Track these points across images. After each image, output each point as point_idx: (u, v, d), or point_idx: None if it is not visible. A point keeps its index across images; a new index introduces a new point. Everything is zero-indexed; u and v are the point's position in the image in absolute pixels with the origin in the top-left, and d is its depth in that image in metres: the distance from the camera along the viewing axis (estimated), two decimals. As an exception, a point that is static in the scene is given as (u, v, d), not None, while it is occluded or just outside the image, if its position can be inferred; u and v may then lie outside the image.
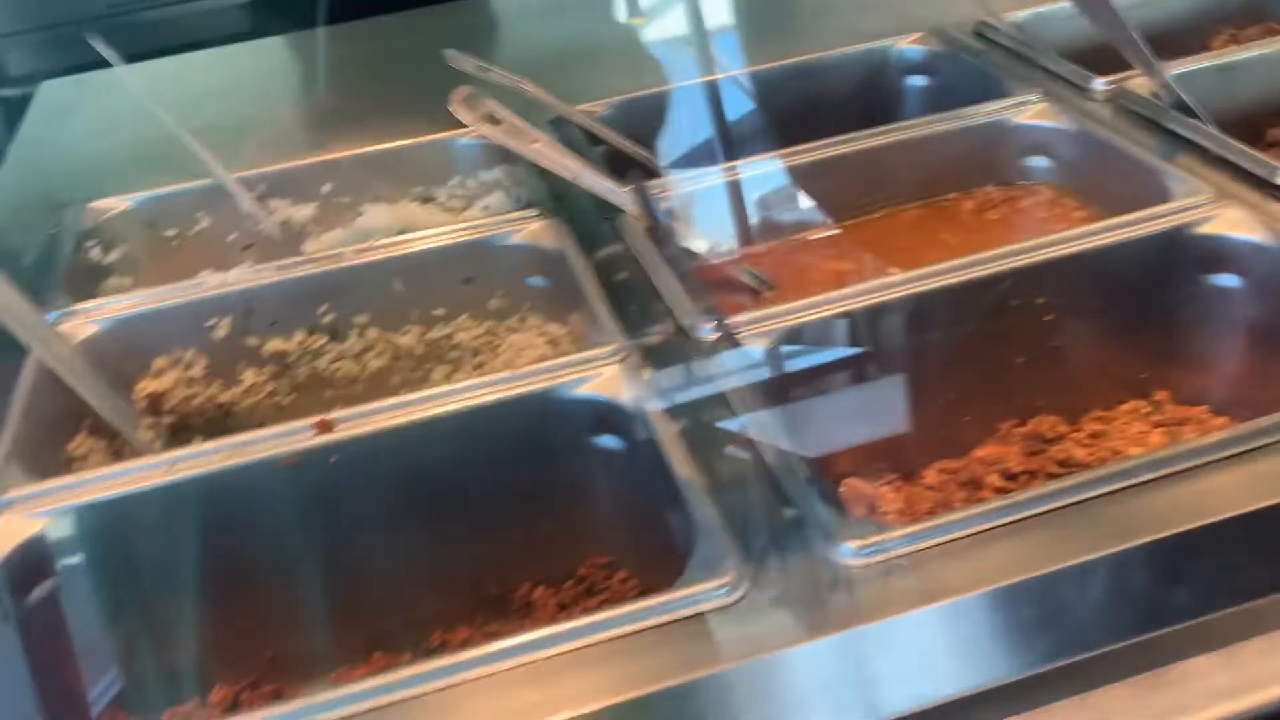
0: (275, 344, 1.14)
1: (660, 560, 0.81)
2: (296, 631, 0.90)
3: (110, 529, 0.86)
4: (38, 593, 0.83)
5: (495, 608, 0.95)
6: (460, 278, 1.16)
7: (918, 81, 1.49)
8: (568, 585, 0.96)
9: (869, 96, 1.47)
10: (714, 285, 1.10)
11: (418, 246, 1.16)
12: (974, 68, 1.42)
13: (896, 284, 0.99)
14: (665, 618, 0.70)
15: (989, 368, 1.04)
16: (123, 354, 1.10)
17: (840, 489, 0.98)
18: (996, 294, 1.02)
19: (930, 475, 1.02)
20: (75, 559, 0.84)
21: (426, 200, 1.37)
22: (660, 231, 1.08)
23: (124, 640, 0.85)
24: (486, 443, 0.93)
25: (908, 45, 1.49)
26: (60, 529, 0.85)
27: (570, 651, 0.69)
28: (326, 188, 1.36)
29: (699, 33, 1.47)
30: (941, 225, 1.26)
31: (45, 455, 0.96)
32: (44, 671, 0.79)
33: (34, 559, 0.84)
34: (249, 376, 1.14)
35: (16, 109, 1.75)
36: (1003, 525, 0.74)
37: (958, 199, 1.28)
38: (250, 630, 0.90)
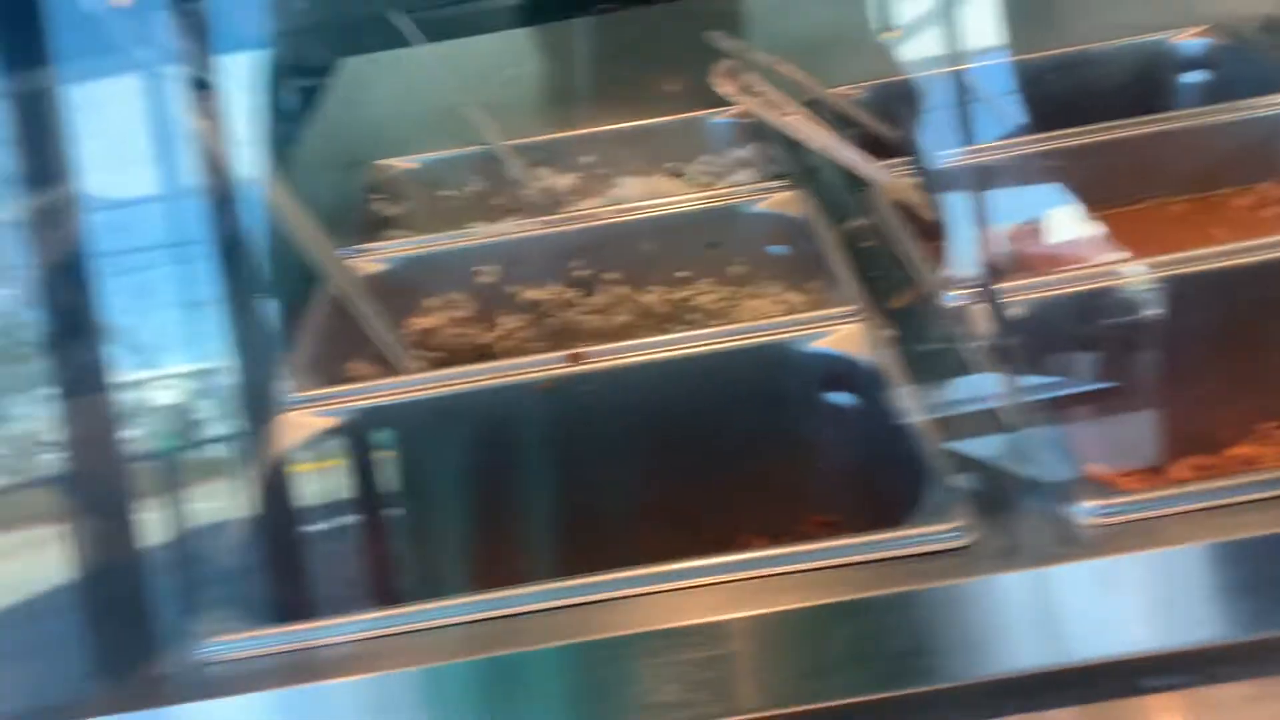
0: (532, 293, 1.22)
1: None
2: (520, 546, 0.96)
3: (380, 432, 0.96)
4: (309, 487, 0.93)
5: (712, 552, 0.98)
6: (705, 242, 1.21)
7: (1196, 77, 1.42)
8: (785, 540, 0.98)
9: (1139, 91, 1.42)
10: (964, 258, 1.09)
11: (667, 210, 1.22)
12: (1260, 63, 1.34)
13: (1157, 265, 0.96)
14: (891, 553, 0.71)
15: (1251, 365, 0.99)
16: (399, 292, 1.21)
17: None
18: (1265, 286, 0.97)
19: (1178, 470, 0.97)
20: (351, 453, 0.94)
21: (677, 175, 1.43)
22: (921, 203, 1.09)
23: (381, 530, 0.94)
24: (722, 389, 0.97)
25: (1187, 39, 1.43)
26: (340, 427, 0.95)
27: (792, 572, 0.71)
28: (586, 159, 1.44)
29: (959, 22, 1.46)
30: (1211, 220, 1.20)
31: (329, 370, 1.07)
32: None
33: (312, 453, 0.94)
34: (506, 322, 1.23)
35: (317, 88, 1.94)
36: (1252, 500, 0.71)
37: (1231, 194, 1.22)
38: (480, 538, 0.96)
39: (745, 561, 0.72)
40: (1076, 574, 0.67)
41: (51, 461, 0.81)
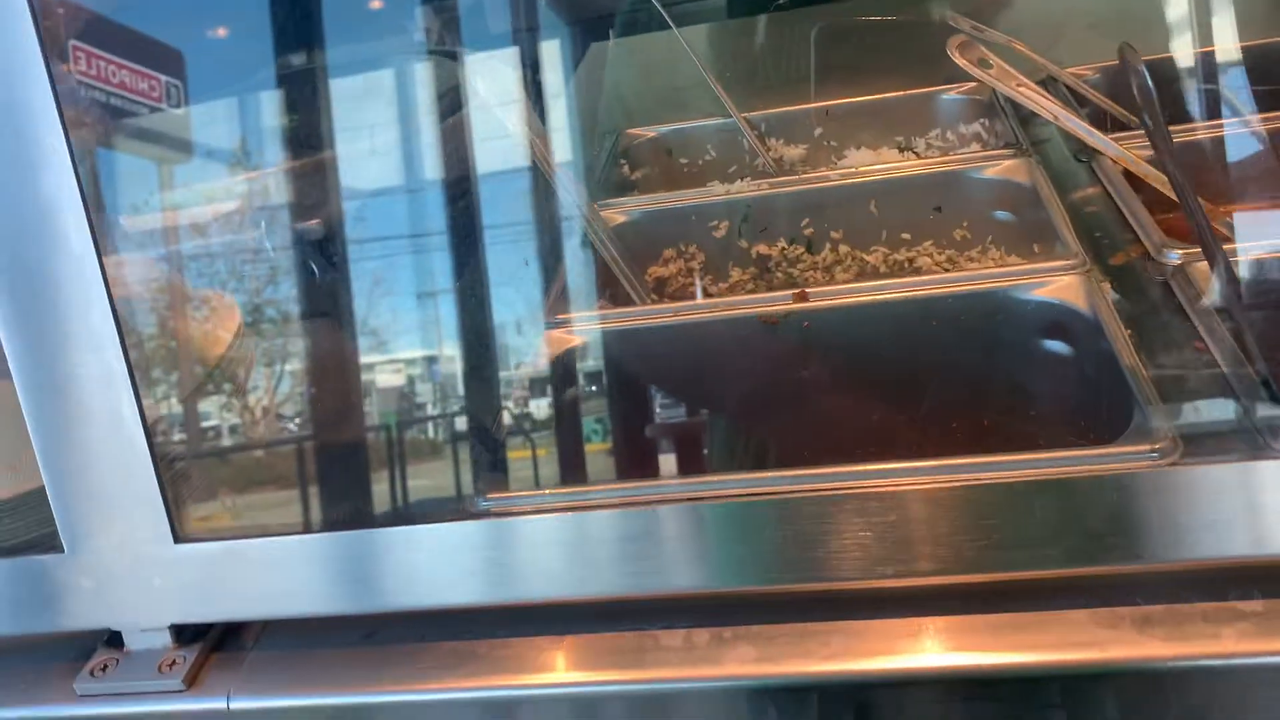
0: (761, 248, 1.31)
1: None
2: (736, 453, 1.05)
3: (625, 350, 1.07)
4: (569, 388, 1.06)
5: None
6: (930, 206, 1.27)
7: None
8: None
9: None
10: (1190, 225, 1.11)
11: (895, 173, 1.28)
12: None
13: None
14: (1094, 469, 0.76)
15: None
16: (641, 242, 1.33)
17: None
18: None
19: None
20: (599, 368, 1.06)
21: (905, 149, 1.49)
22: (1150, 175, 1.12)
23: (621, 425, 1.05)
24: (941, 332, 1.03)
25: None
26: (591, 346, 1.08)
27: (997, 482, 0.77)
28: (817, 131, 1.52)
29: (1189, 7, 1.46)
30: None
31: (582, 302, 1.20)
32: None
33: (571, 364, 1.07)
34: (735, 274, 1.32)
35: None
36: None
37: None
38: (702, 439, 1.06)
39: (955, 466, 0.78)
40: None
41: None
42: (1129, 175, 1.17)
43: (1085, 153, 1.21)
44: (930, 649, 0.69)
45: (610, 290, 1.25)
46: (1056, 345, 0.99)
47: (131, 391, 0.75)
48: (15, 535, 0.85)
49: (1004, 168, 1.24)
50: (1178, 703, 0.67)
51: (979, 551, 0.69)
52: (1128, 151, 1.18)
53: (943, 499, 0.71)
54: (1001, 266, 1.19)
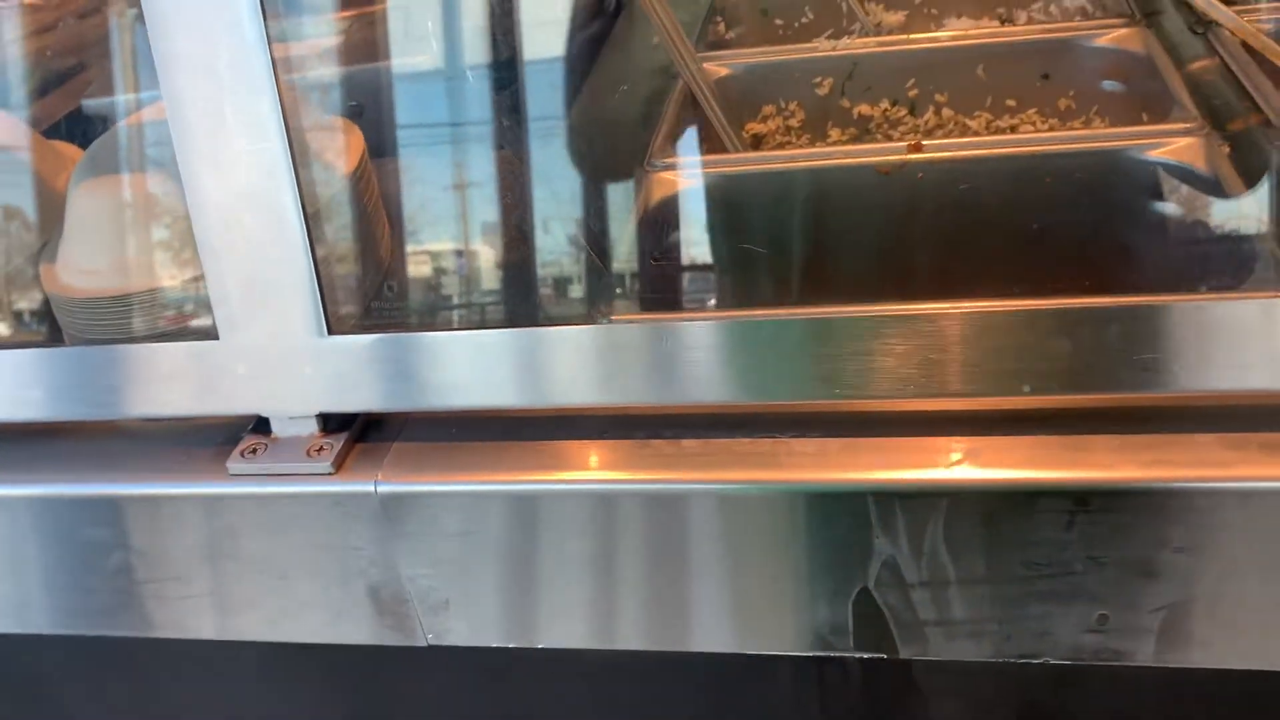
0: (863, 108, 1.32)
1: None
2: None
3: (738, 196, 1.09)
4: (677, 230, 1.08)
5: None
6: (1039, 73, 1.27)
7: None
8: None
9: None
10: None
11: (1005, 38, 1.28)
12: None
13: None
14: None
15: None
16: (741, 97, 1.33)
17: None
18: None
19: None
20: (709, 211, 1.08)
21: (1006, 20, 1.47)
22: (1271, 46, 1.11)
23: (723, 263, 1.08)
24: (1054, 189, 1.04)
25: None
26: (696, 190, 1.10)
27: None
28: (918, -1, 1.51)
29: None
30: None
31: (685, 147, 1.21)
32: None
33: (677, 206, 1.09)
34: (834, 134, 1.33)
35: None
36: None
37: None
38: (803, 279, 1.08)
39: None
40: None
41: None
42: (1248, 48, 1.16)
43: (1202, 25, 1.20)
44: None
45: (706, 145, 1.26)
46: (1172, 206, 1.00)
47: (293, 181, 0.78)
48: (99, 332, 0.89)
49: (1117, 36, 1.23)
50: (1293, 526, 0.70)
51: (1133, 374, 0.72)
52: (1247, 23, 1.17)
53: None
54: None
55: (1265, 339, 0.72)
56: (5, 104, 1.22)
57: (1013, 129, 1.29)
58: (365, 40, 1.16)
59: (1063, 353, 0.72)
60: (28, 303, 1.00)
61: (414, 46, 1.14)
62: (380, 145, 0.99)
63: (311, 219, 0.79)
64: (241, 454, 0.85)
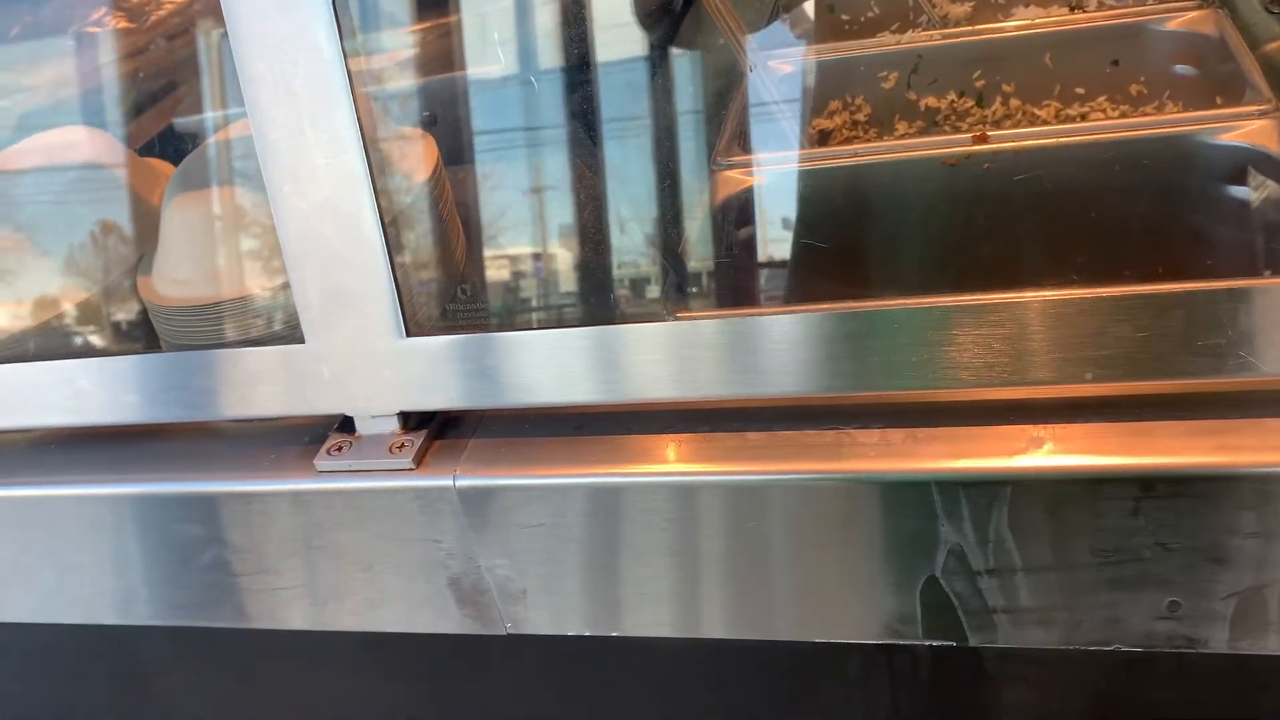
0: (930, 100, 1.31)
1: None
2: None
3: (804, 193, 1.10)
4: (744, 228, 1.10)
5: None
6: (1108, 59, 1.25)
7: None
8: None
9: None
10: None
11: (1073, 25, 1.27)
12: None
13: None
14: None
15: None
16: (806, 93, 1.34)
17: None
18: None
19: None
20: (776, 208, 1.10)
21: (1075, 7, 1.46)
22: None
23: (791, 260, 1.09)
24: (1123, 176, 1.03)
25: None
26: (762, 187, 1.11)
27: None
28: (985, -11, 1.50)
29: None
30: None
31: (753, 145, 1.23)
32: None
33: (744, 204, 1.11)
34: (901, 127, 1.33)
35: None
36: None
37: None
38: (872, 273, 1.08)
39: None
40: None
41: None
42: (1325, 26, 1.14)
43: (1277, 4, 1.18)
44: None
45: (772, 142, 1.28)
46: (1247, 191, 0.99)
47: (370, 191, 0.81)
48: (192, 338, 0.93)
49: (1188, 19, 1.22)
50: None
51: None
52: (1325, 2, 1.15)
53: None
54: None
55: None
56: (102, 123, 1.29)
57: (1082, 117, 1.27)
58: (438, 51, 1.19)
59: (1126, 339, 0.72)
60: (126, 313, 1.06)
61: (485, 55, 1.18)
62: (454, 153, 1.03)
63: (389, 227, 0.83)
64: (328, 451, 0.89)
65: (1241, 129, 0.99)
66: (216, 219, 0.96)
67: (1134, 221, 1.03)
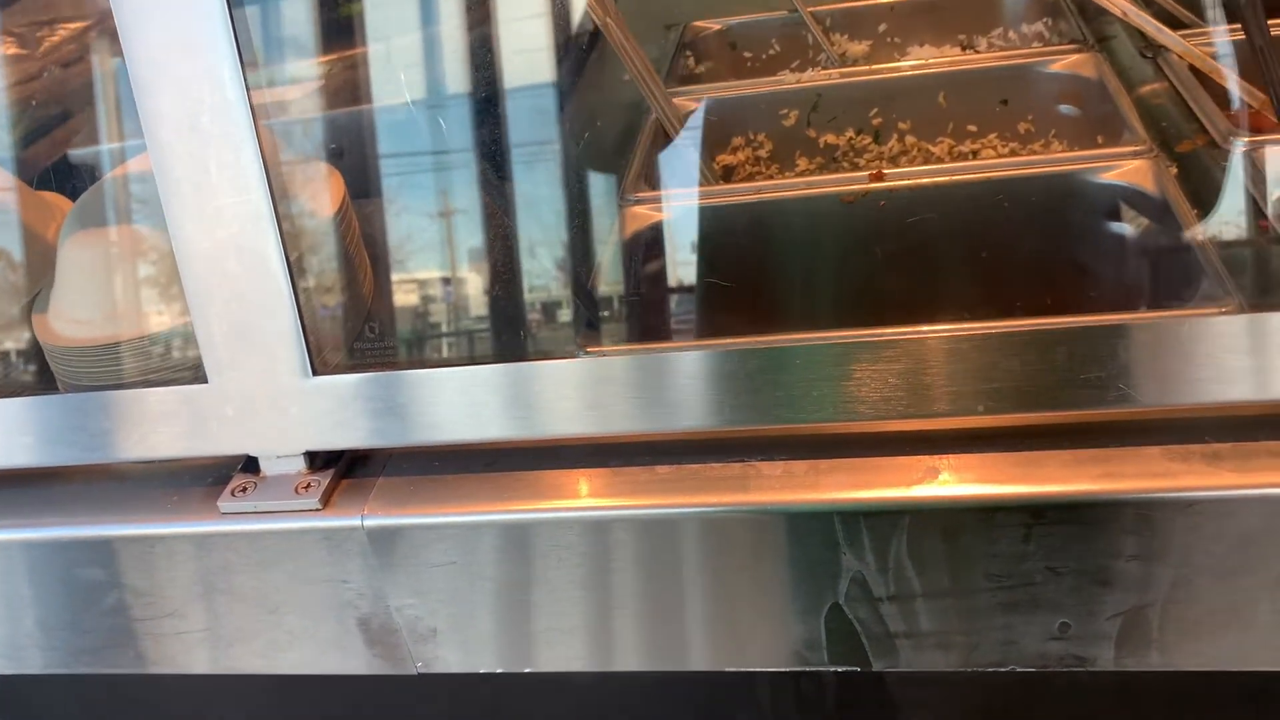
0: (829, 137, 1.36)
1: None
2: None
3: (708, 228, 1.13)
4: (652, 262, 1.12)
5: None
6: (998, 99, 1.31)
7: None
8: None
9: None
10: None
11: (965, 65, 1.32)
12: None
13: None
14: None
15: None
16: (710, 131, 1.37)
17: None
18: None
19: None
20: (682, 243, 1.12)
21: (967, 48, 1.52)
22: (1216, 70, 1.15)
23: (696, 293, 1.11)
24: (1010, 212, 1.08)
25: None
26: (669, 222, 1.13)
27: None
28: (881, 28, 1.55)
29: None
30: None
31: (657, 181, 1.25)
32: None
33: (651, 239, 1.12)
34: (801, 163, 1.37)
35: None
36: None
37: None
38: (771, 308, 1.11)
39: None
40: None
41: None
42: (1195, 71, 1.20)
43: (1151, 49, 1.25)
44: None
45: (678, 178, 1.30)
46: (1124, 227, 1.04)
47: (275, 228, 0.81)
48: (91, 379, 0.92)
49: (1070, 62, 1.28)
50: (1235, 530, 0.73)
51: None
52: (1194, 47, 1.22)
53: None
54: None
55: (1207, 354, 0.76)
56: (-7, 154, 1.25)
57: (974, 154, 1.33)
58: (344, 83, 1.19)
59: (1015, 373, 0.76)
60: (18, 351, 1.03)
61: (391, 87, 1.18)
62: (361, 186, 1.03)
63: (294, 264, 0.83)
64: (232, 493, 0.87)
65: (1121, 168, 1.05)
66: (115, 257, 0.95)
67: (1022, 257, 1.08)
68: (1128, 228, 1.04)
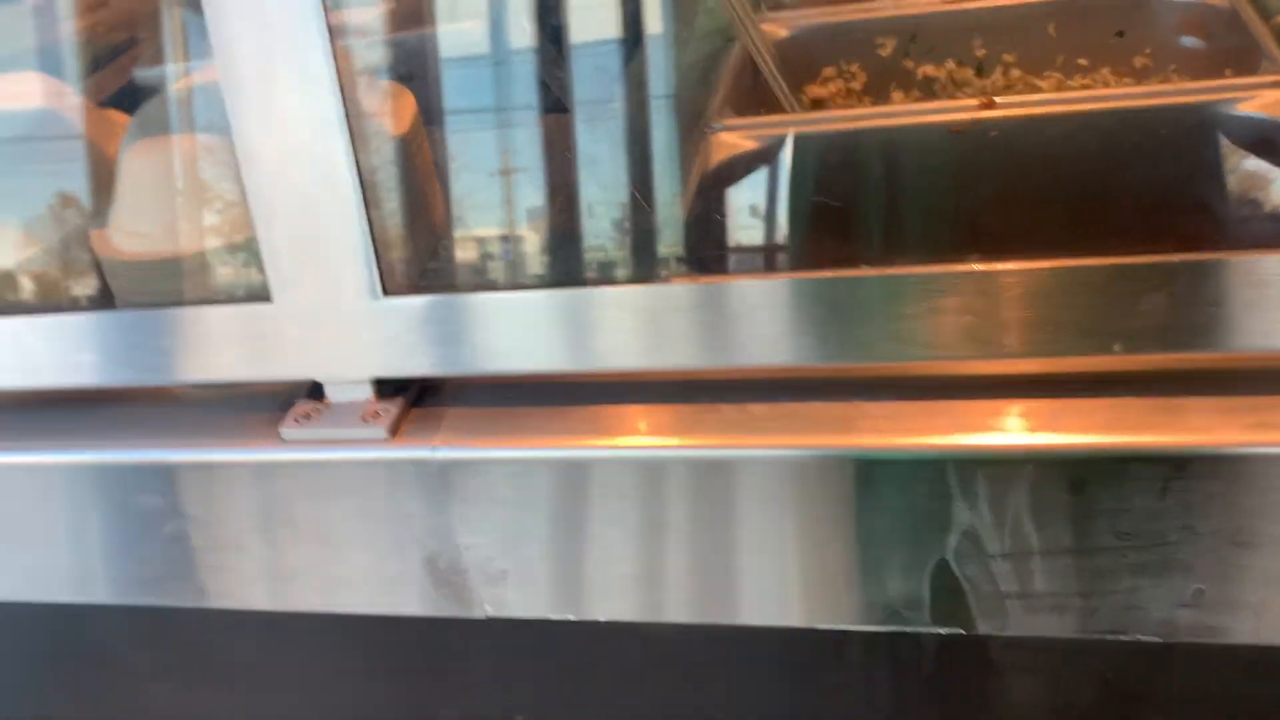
0: (927, 69, 1.27)
1: None
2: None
3: (796, 157, 1.05)
4: (732, 193, 1.05)
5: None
6: (1112, 30, 1.21)
7: None
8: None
9: None
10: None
11: (1078, -8, 1.23)
12: None
13: None
14: None
15: None
16: (801, 59, 1.29)
17: None
18: None
19: None
20: (769, 174, 1.05)
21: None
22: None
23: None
24: (1133, 146, 0.99)
25: None
26: (757, 151, 1.06)
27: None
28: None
29: None
30: None
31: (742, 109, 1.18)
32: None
33: (735, 168, 1.05)
34: (897, 97, 1.28)
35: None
36: None
37: None
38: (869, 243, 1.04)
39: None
40: None
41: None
42: (1340, -2, 1.10)
43: (1294, -25, 1.14)
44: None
45: (765, 108, 1.22)
46: (1262, 164, 0.95)
47: (347, 138, 0.75)
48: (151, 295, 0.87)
49: (1198, -13, 1.18)
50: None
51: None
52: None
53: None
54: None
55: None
56: (59, 73, 1.22)
57: (1085, 89, 1.23)
58: (415, 5, 1.13)
59: (1160, 309, 0.68)
60: (81, 267, 0.99)
61: (466, 9, 1.12)
62: (430, 112, 0.97)
63: (365, 176, 0.77)
64: (295, 420, 0.83)
65: (1261, 99, 0.95)
66: (176, 168, 0.90)
67: (1153, 191, 0.99)
68: (1265, 163, 0.94)
